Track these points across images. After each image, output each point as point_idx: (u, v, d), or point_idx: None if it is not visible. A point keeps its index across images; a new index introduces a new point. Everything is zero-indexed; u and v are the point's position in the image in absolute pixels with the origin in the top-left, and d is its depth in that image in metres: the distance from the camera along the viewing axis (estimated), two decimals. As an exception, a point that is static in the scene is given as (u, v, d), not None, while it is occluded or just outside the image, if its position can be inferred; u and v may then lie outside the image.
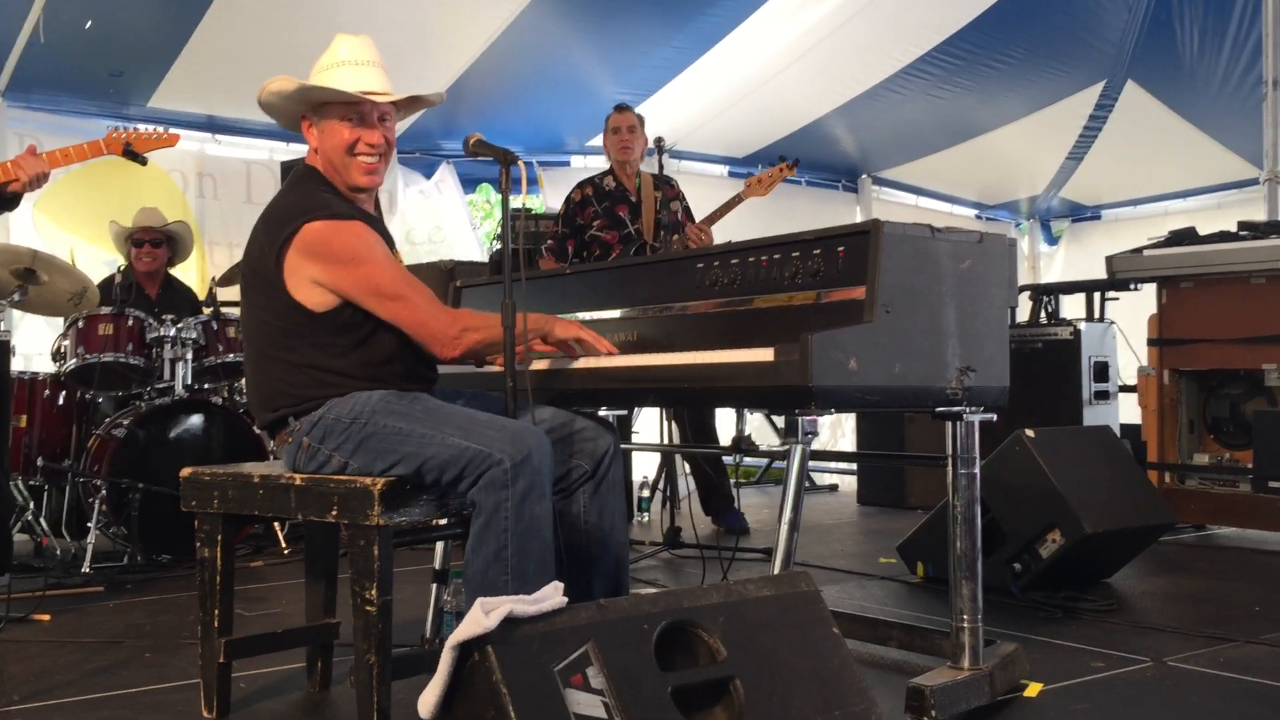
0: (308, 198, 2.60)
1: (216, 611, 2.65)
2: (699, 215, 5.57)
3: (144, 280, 5.64)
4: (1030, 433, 3.96)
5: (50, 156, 3.45)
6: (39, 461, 4.90)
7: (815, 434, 2.41)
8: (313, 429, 2.50)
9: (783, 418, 2.52)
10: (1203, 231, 5.34)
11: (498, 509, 2.28)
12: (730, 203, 5.36)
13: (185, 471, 2.73)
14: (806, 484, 5.94)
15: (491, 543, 2.29)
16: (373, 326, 2.57)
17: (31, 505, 4.83)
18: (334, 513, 2.39)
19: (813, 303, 2.49)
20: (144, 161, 3.63)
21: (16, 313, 5.51)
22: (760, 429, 8.03)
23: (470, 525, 2.33)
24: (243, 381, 5.52)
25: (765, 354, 2.31)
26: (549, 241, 5.57)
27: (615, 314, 2.96)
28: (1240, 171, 8.39)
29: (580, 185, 5.58)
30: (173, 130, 3.86)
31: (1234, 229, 5.22)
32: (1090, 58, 7.84)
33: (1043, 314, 6.19)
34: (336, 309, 2.54)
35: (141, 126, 3.66)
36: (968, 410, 2.56)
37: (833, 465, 8.16)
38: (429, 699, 1.81)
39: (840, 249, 2.46)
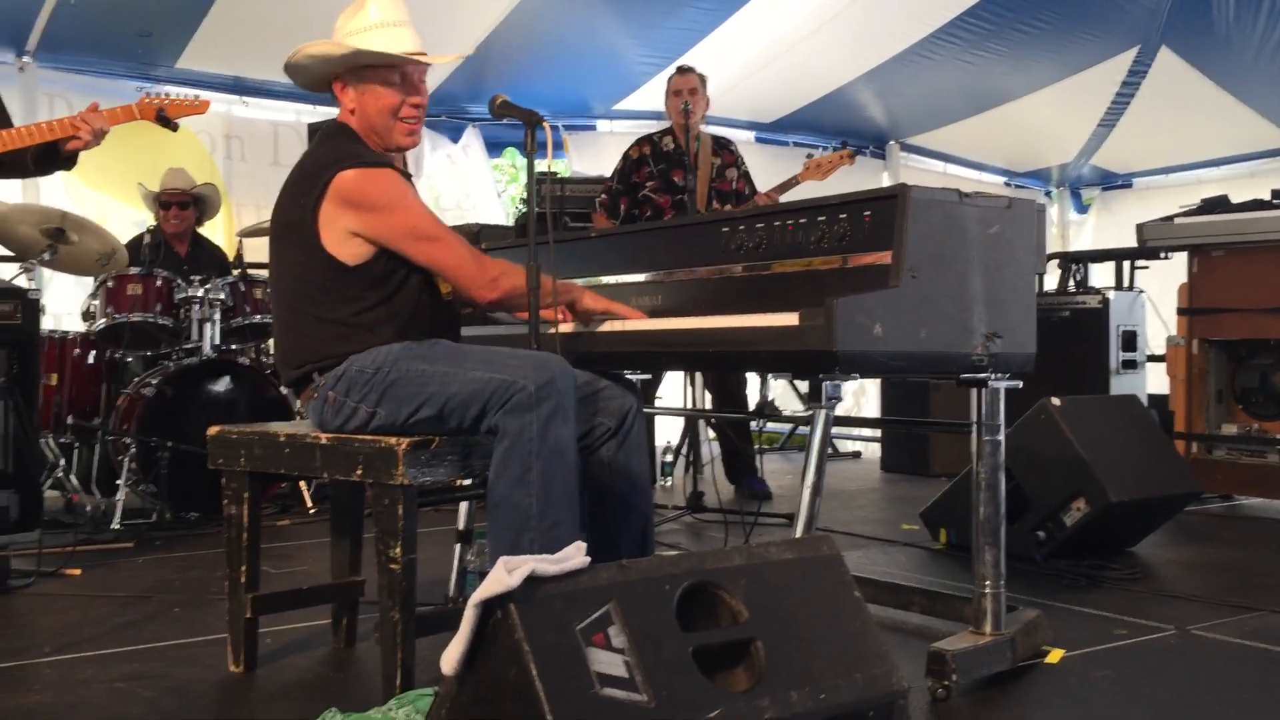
0: (339, 149, 2.61)
1: (244, 568, 2.70)
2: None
3: (172, 240, 5.68)
4: (1056, 401, 3.94)
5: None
6: (69, 419, 4.97)
7: (839, 399, 2.40)
8: (337, 383, 2.52)
9: (806, 385, 2.51)
10: (1235, 200, 5.28)
11: (522, 431, 2.29)
12: (787, 183, 5.33)
13: (212, 430, 2.76)
14: (829, 450, 5.96)
15: (516, 466, 2.29)
16: (402, 278, 2.58)
17: (62, 462, 4.89)
18: (359, 471, 2.41)
19: (838, 267, 2.48)
20: (175, 127, 3.65)
21: (47, 273, 5.56)
22: (784, 396, 8.03)
23: (494, 451, 2.33)
24: (269, 342, 5.56)
25: (790, 318, 2.31)
26: (602, 196, 5.52)
27: (640, 277, 2.96)
28: (1276, 139, 8.27)
29: (639, 142, 5.53)
30: (201, 95, 3.85)
31: (1268, 198, 5.15)
32: (1123, 23, 7.71)
33: (1071, 282, 6.14)
34: (370, 260, 2.55)
35: (173, 91, 3.68)
36: (993, 377, 2.55)
37: (856, 432, 8.15)
38: (452, 655, 1.83)
39: (866, 213, 2.44)
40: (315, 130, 6.09)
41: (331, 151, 2.60)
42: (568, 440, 2.33)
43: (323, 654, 2.88)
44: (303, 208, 2.54)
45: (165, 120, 3.54)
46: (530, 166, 2.59)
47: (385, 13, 2.64)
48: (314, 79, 2.72)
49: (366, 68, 2.63)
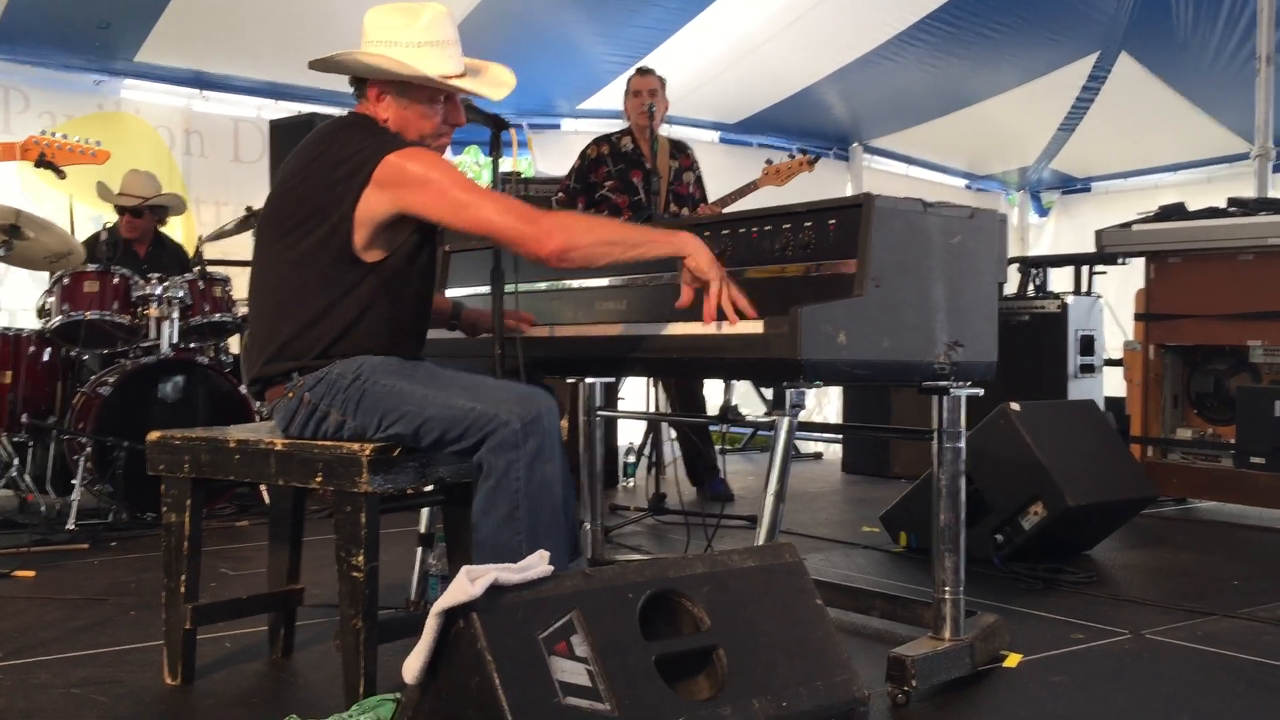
0: (377, 136, 2.52)
1: (183, 577, 2.60)
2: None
3: (133, 241, 5.62)
4: (1015, 406, 3.98)
5: None
6: (24, 418, 4.89)
7: (803, 406, 2.41)
8: (316, 385, 2.47)
9: (770, 388, 2.52)
10: (1192, 205, 5.35)
11: (509, 470, 2.27)
12: (745, 188, 5.30)
13: (153, 435, 2.67)
14: (792, 453, 5.98)
15: (503, 505, 2.28)
16: (409, 283, 2.55)
17: (16, 461, 4.82)
18: (319, 479, 2.37)
19: (803, 275, 2.49)
20: (63, 174, 3.46)
21: (1, 268, 5.47)
22: (746, 394, 8.05)
23: (477, 488, 2.31)
24: (229, 341, 5.50)
25: (754, 326, 2.32)
26: (559, 194, 5.48)
27: (604, 282, 2.95)
28: (1231, 146, 8.40)
29: (597, 141, 5.50)
30: (101, 148, 3.50)
31: (1224, 204, 5.23)
32: (1084, 29, 7.81)
33: (1030, 286, 6.20)
34: (383, 261, 2.50)
35: (72, 137, 3.44)
36: (955, 385, 2.57)
37: (817, 433, 8.19)
38: (414, 664, 1.82)
39: (831, 222, 2.45)
40: (277, 126, 6.04)
41: (370, 139, 2.51)
42: (554, 476, 2.32)
43: (261, 665, 2.82)
44: (340, 195, 2.45)
45: (50, 165, 3.33)
46: (495, 171, 2.58)
47: (439, 30, 2.55)
48: (340, 69, 2.61)
49: (416, 85, 2.57)
